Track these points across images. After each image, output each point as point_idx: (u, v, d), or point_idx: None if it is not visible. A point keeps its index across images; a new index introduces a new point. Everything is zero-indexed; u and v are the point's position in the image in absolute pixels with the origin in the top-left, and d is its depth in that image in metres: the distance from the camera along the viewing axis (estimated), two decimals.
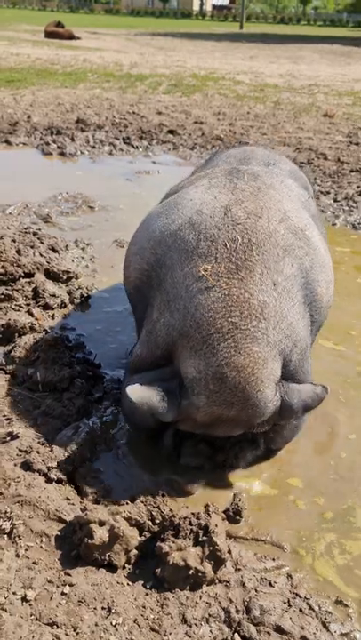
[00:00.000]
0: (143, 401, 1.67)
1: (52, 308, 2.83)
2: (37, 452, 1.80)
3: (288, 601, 1.48)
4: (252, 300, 1.72)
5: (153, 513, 1.62)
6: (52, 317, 2.77)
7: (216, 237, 1.81)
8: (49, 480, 1.73)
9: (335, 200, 4.93)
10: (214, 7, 72.47)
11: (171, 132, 6.99)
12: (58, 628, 1.32)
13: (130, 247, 2.20)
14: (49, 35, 21.13)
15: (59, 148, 6.03)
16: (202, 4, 66.66)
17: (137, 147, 6.35)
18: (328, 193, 5.09)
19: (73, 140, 6.38)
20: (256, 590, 1.49)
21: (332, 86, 12.32)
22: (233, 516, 1.72)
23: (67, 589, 1.41)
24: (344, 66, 17.45)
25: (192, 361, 1.71)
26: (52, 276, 3.09)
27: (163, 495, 1.71)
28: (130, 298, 2.21)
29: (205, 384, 1.68)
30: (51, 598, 1.39)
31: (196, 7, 64.55)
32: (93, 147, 6.23)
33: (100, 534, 1.50)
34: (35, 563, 1.48)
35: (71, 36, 21.07)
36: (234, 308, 1.71)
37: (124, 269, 2.21)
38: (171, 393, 1.70)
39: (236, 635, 1.38)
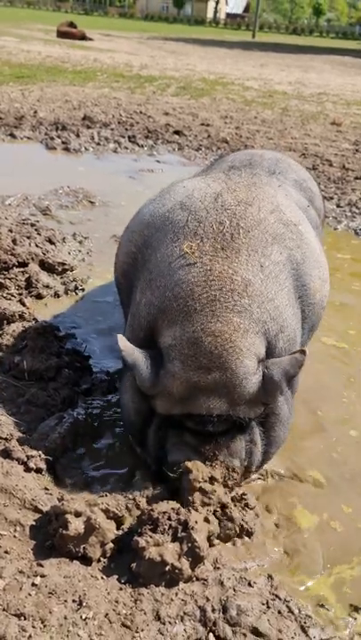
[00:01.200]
0: (128, 352, 1.63)
1: (45, 299, 2.79)
2: (17, 441, 1.76)
3: (267, 602, 1.42)
4: (236, 276, 1.68)
5: (129, 506, 1.57)
6: (45, 307, 2.73)
7: (204, 219, 1.79)
8: (28, 469, 1.68)
9: (338, 206, 4.89)
10: (228, 15, 72.79)
11: (177, 132, 6.97)
12: (25, 619, 1.27)
13: (122, 235, 2.18)
14: (62, 34, 21.18)
15: (63, 143, 6.00)
16: (216, 12, 66.91)
17: (142, 145, 6.32)
18: (331, 198, 5.05)
19: (78, 136, 6.36)
20: (234, 590, 1.44)
21: (342, 96, 12.31)
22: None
23: (37, 580, 1.36)
24: (354, 76, 17.46)
25: (169, 331, 1.66)
26: (46, 267, 3.05)
27: (142, 489, 1.66)
28: (117, 286, 2.18)
29: (180, 348, 1.61)
30: (20, 589, 1.34)
31: (210, 14, 64.79)
32: (98, 143, 6.20)
33: (76, 525, 1.45)
34: (6, 552, 1.43)
35: (83, 37, 21.12)
36: (215, 282, 1.66)
37: (115, 258, 2.17)
38: (152, 360, 1.64)
39: (210, 634, 1.33)
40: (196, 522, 1.49)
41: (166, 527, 1.48)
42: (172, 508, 1.53)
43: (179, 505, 1.54)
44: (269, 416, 1.74)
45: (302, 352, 1.66)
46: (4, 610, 1.29)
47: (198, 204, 1.86)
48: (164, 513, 1.50)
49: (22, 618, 1.28)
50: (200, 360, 1.59)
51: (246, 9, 77.46)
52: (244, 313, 1.64)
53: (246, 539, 1.63)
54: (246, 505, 1.67)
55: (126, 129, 6.89)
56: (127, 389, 1.79)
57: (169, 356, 1.63)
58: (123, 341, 1.65)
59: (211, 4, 67.12)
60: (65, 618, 1.29)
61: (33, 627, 1.26)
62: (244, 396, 1.62)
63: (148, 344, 1.71)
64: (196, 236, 1.76)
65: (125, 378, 1.83)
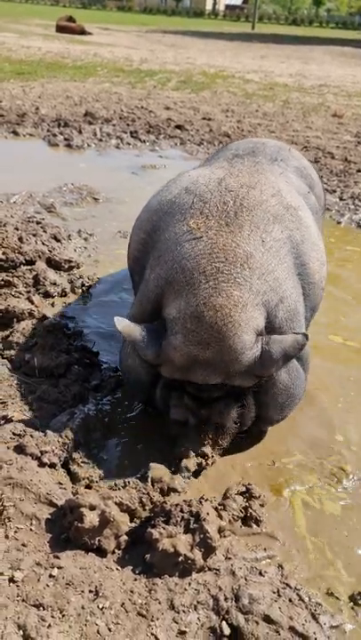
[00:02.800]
0: (126, 331, 1.75)
1: (53, 296, 2.82)
2: (31, 436, 1.79)
3: (278, 591, 1.46)
4: (238, 249, 1.79)
5: (144, 499, 1.61)
6: (52, 305, 2.77)
7: (208, 200, 1.91)
8: (41, 464, 1.72)
9: (341, 199, 4.90)
10: (227, 7, 72.34)
11: (178, 127, 6.97)
12: (44, 609, 1.31)
13: (133, 226, 2.30)
14: (61, 29, 21.13)
15: (65, 139, 6.02)
16: (215, 4, 66.54)
17: (144, 141, 6.33)
18: (334, 191, 5.06)
19: (80, 132, 6.37)
20: (246, 579, 1.47)
21: (342, 87, 12.27)
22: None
23: (55, 572, 1.40)
24: (355, 67, 17.38)
25: (175, 302, 1.76)
26: (53, 264, 3.08)
27: (154, 482, 1.69)
28: (131, 274, 2.30)
29: (183, 322, 1.71)
30: (38, 580, 1.38)
31: (208, 6, 64.41)
32: (100, 139, 6.22)
33: (91, 518, 1.49)
34: (24, 545, 1.47)
35: (83, 31, 21.06)
36: (220, 255, 1.77)
37: (127, 248, 2.30)
38: (154, 332, 1.77)
39: (223, 622, 1.37)
40: (208, 513, 1.53)
41: (179, 519, 1.51)
42: (184, 501, 1.56)
43: (191, 498, 1.58)
44: (268, 387, 1.85)
45: (305, 335, 1.75)
46: (23, 600, 1.33)
47: (203, 187, 1.98)
48: (177, 505, 1.54)
49: (41, 608, 1.32)
50: (201, 334, 1.69)
51: (245, 0, 76.97)
52: (245, 285, 1.74)
53: (255, 527, 1.67)
54: (252, 495, 1.72)
55: (128, 124, 6.90)
56: (134, 356, 1.91)
57: (172, 329, 1.74)
58: (120, 322, 1.78)
59: None
60: (82, 608, 1.33)
61: (52, 616, 1.30)
62: (240, 370, 1.73)
63: (154, 317, 1.83)
64: (202, 215, 1.88)
65: (131, 346, 1.93)
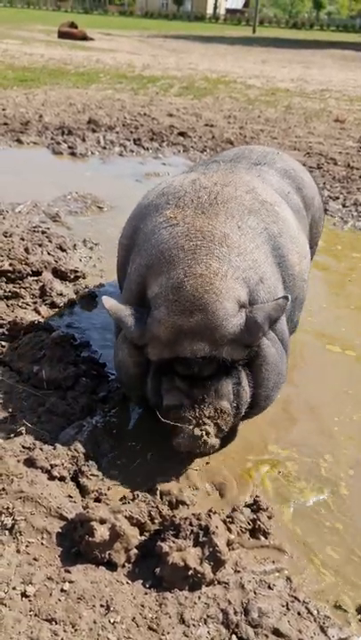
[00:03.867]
0: (113, 309, 1.79)
1: (59, 307, 2.84)
2: (40, 450, 1.81)
3: (287, 604, 1.48)
4: (215, 230, 1.85)
5: (153, 512, 1.63)
6: (59, 316, 2.79)
7: (183, 196, 1.99)
8: (51, 477, 1.74)
9: (344, 205, 4.92)
10: (228, 11, 72.55)
11: (181, 134, 7.00)
12: (56, 624, 1.33)
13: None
14: (62, 35, 21.22)
15: (69, 147, 6.05)
16: (215, 8, 66.71)
17: (147, 148, 6.37)
18: (337, 198, 5.08)
19: (84, 140, 6.41)
20: (255, 592, 1.49)
21: (344, 91, 12.30)
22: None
23: (66, 586, 1.42)
24: (356, 71, 17.42)
25: (156, 281, 1.81)
26: (59, 274, 3.11)
27: (163, 495, 1.71)
28: (119, 282, 2.37)
29: (165, 295, 1.75)
30: (50, 594, 1.40)
31: (209, 10, 64.60)
32: (104, 147, 6.25)
33: (101, 532, 1.51)
34: (35, 559, 1.49)
35: (84, 37, 21.15)
36: (198, 234, 1.83)
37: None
38: (140, 313, 1.80)
39: (233, 636, 1.38)
40: (217, 527, 1.55)
41: (188, 532, 1.53)
42: (193, 514, 1.58)
43: (200, 511, 1.59)
44: (255, 358, 1.85)
45: (285, 297, 1.80)
46: (35, 615, 1.35)
47: (177, 187, 2.06)
48: (186, 519, 1.56)
49: (53, 622, 1.34)
50: (183, 304, 1.72)
51: (246, 4, 77.15)
52: (223, 259, 1.79)
53: (263, 539, 1.68)
54: (259, 507, 1.74)
55: (131, 132, 6.94)
56: (123, 347, 1.91)
57: (155, 304, 1.77)
58: (107, 301, 1.82)
59: (210, 0, 66.94)
60: (94, 622, 1.35)
61: (64, 630, 1.32)
62: (226, 337, 1.73)
63: (140, 305, 1.86)
64: (177, 207, 1.95)
65: (120, 337, 1.96)
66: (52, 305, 2.83)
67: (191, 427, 1.74)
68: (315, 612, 1.47)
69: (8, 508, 1.58)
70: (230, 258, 1.80)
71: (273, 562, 1.61)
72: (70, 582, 1.43)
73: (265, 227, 1.99)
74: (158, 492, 1.73)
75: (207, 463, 1.94)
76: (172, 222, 1.90)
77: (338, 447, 2.09)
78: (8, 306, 2.70)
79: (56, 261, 3.18)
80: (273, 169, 2.52)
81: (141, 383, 1.89)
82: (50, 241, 3.48)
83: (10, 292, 2.79)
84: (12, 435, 1.92)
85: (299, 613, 1.46)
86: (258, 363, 1.85)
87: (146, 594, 1.46)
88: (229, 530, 1.61)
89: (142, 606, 1.42)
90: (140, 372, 1.88)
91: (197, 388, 1.76)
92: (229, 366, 1.78)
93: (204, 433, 1.74)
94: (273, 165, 2.55)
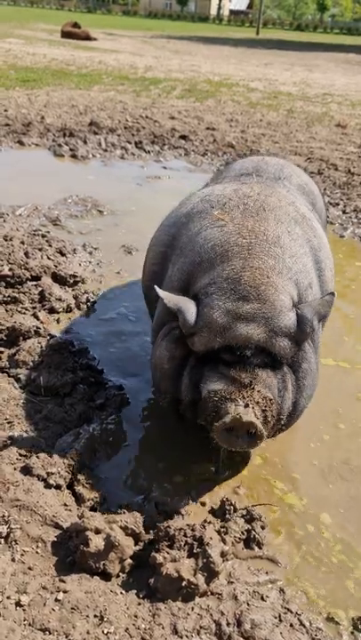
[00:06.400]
0: (169, 298, 1.74)
1: (58, 312, 2.85)
2: (37, 457, 1.82)
3: (279, 616, 1.49)
4: (268, 232, 1.84)
5: (148, 522, 1.64)
6: (58, 321, 2.80)
7: (228, 202, 1.97)
8: (48, 485, 1.75)
9: (344, 212, 4.93)
10: (231, 12, 72.62)
11: (183, 137, 7.01)
12: (50, 634, 1.34)
13: (147, 249, 2.35)
14: (65, 35, 21.22)
15: (71, 150, 6.06)
16: (219, 9, 66.75)
17: (148, 151, 6.37)
18: (337, 204, 5.09)
19: (85, 142, 6.42)
20: (248, 604, 1.50)
21: (346, 96, 12.31)
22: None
23: (60, 596, 1.43)
24: (359, 75, 17.43)
25: (206, 275, 1.79)
26: (58, 279, 3.12)
27: (159, 505, 1.72)
28: (145, 293, 2.33)
29: (219, 284, 1.73)
30: (44, 604, 1.41)
31: (213, 11, 64.64)
32: (105, 150, 6.26)
33: (96, 542, 1.52)
34: (30, 568, 1.50)
35: (87, 37, 21.15)
36: (250, 233, 1.82)
37: (142, 270, 2.37)
38: (191, 303, 1.75)
39: None
40: (211, 538, 1.56)
41: (182, 543, 1.54)
42: (188, 525, 1.59)
43: (194, 522, 1.60)
44: (300, 363, 1.80)
45: (331, 294, 1.80)
46: (29, 625, 1.36)
47: (220, 195, 2.04)
48: (181, 529, 1.57)
49: (47, 632, 1.35)
50: (239, 291, 1.71)
51: (250, 5, 77.21)
52: (278, 259, 1.80)
53: (257, 549, 1.69)
54: (253, 517, 1.75)
55: (133, 134, 6.95)
56: (160, 344, 1.88)
57: (207, 293, 1.74)
58: (162, 291, 1.78)
59: (214, 1, 66.94)
60: (88, 632, 1.36)
61: None
62: (281, 329, 1.69)
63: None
64: (224, 211, 1.93)
65: (161, 334, 1.90)
66: (51, 310, 2.84)
67: (239, 405, 1.61)
68: (307, 624, 1.48)
69: (4, 516, 1.59)
70: (284, 258, 1.81)
71: (266, 572, 1.62)
72: (65, 592, 1.44)
73: (308, 238, 2.00)
74: (154, 502, 1.74)
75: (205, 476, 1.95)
76: (221, 223, 1.88)
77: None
78: (7, 311, 2.71)
79: (56, 266, 3.19)
80: (292, 184, 2.53)
81: (177, 382, 1.80)
82: (50, 245, 3.49)
83: (9, 296, 2.80)
84: (9, 442, 1.93)
85: (291, 625, 1.47)
86: (303, 367, 1.80)
87: (139, 604, 1.47)
88: (224, 540, 1.62)
89: (136, 617, 1.43)
90: (176, 368, 1.80)
91: (245, 372, 1.67)
92: (277, 364, 1.72)
93: (253, 413, 1.61)
94: (291, 180, 2.56)
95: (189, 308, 1.73)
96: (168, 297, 1.75)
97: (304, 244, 1.95)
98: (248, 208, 1.93)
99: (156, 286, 1.79)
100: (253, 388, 1.64)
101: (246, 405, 1.61)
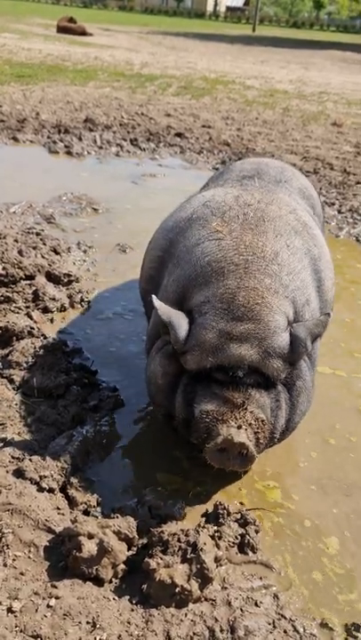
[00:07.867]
0: (163, 310, 1.72)
1: (52, 312, 2.83)
2: (30, 460, 1.80)
3: (273, 622, 1.48)
4: (266, 248, 1.82)
5: (140, 527, 1.62)
6: (51, 321, 2.78)
7: (228, 211, 1.94)
8: (40, 489, 1.73)
9: (339, 211, 4.93)
10: (228, 8, 72.38)
11: (178, 135, 6.99)
12: None
13: (146, 251, 2.32)
14: (61, 30, 21.10)
15: (66, 147, 6.03)
16: (216, 5, 66.57)
17: (144, 149, 6.35)
18: (333, 204, 5.08)
19: (80, 139, 6.38)
20: (242, 610, 1.49)
21: (343, 94, 12.31)
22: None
23: (52, 602, 1.41)
24: (355, 74, 17.43)
25: (200, 292, 1.77)
26: (52, 278, 3.09)
27: (152, 509, 1.71)
28: (142, 295, 2.30)
29: (213, 303, 1.71)
30: (36, 610, 1.39)
31: (209, 7, 64.42)
32: (100, 147, 6.23)
33: (89, 547, 1.50)
34: (22, 573, 1.48)
35: (83, 32, 21.04)
36: (248, 249, 1.80)
37: (140, 273, 2.34)
38: (185, 320, 1.73)
39: None
40: (205, 543, 1.55)
41: (176, 549, 1.53)
42: (182, 530, 1.58)
43: (188, 527, 1.59)
44: (295, 381, 1.78)
45: (327, 314, 1.78)
46: (21, 631, 1.34)
47: (221, 202, 2.00)
48: (174, 535, 1.56)
49: (39, 639, 1.33)
50: (233, 312, 1.69)
51: (246, 2, 76.98)
52: (275, 277, 1.77)
53: (251, 554, 1.68)
54: (246, 521, 1.74)
55: (128, 131, 6.91)
56: (154, 357, 1.86)
57: (200, 312, 1.73)
58: (158, 301, 1.75)
59: None
60: (80, 639, 1.35)
61: None
62: (274, 350, 1.67)
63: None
64: (223, 222, 1.90)
65: (155, 348, 1.89)
66: (45, 309, 2.81)
67: (232, 426, 1.61)
68: (301, 630, 1.47)
69: None
70: (281, 276, 1.78)
71: (260, 578, 1.61)
72: (57, 598, 1.43)
73: (308, 248, 1.97)
74: (147, 506, 1.73)
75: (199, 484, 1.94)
76: (218, 235, 1.85)
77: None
78: (0, 311, 2.69)
79: (50, 265, 3.17)
80: (293, 188, 2.51)
81: (170, 398, 1.80)
82: (44, 243, 3.46)
83: (2, 296, 2.77)
84: (2, 444, 1.91)
85: (285, 631, 1.46)
86: (298, 385, 1.79)
87: (132, 610, 1.45)
88: (217, 545, 1.61)
89: (128, 623, 1.42)
90: (169, 384, 1.80)
91: (238, 392, 1.66)
92: (270, 383, 1.71)
93: (245, 435, 1.61)
94: (291, 184, 2.54)
95: (181, 325, 1.71)
96: (162, 309, 1.74)
97: (303, 257, 1.92)
98: (248, 219, 1.90)
99: (153, 296, 1.78)
100: (246, 409, 1.65)
101: (239, 427, 1.62)
